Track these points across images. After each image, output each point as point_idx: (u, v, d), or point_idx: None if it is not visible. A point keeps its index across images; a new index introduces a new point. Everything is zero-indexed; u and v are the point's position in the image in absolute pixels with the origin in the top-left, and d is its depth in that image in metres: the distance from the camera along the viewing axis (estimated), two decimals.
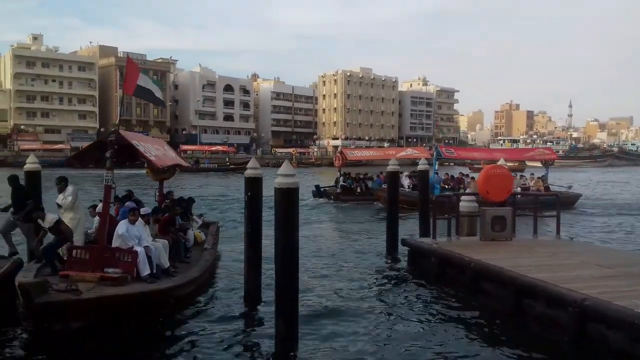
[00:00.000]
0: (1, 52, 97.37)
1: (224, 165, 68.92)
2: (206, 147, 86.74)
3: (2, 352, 6.99)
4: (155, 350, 7.26)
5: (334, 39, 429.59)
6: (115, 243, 8.11)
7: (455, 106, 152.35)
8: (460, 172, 27.66)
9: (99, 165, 9.69)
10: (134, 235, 8.31)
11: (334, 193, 28.39)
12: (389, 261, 12.95)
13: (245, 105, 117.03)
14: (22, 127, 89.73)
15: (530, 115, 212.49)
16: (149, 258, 8.18)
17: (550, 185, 26.03)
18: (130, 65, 9.04)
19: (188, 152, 79.18)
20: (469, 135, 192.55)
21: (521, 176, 26.38)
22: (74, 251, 7.85)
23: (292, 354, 6.86)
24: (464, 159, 36.68)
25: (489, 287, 9.17)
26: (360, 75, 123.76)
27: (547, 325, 7.63)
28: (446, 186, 24.30)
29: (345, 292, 10.10)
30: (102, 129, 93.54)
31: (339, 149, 44.32)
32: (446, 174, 26.58)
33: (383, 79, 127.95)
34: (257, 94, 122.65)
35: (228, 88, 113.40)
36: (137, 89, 8.93)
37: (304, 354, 6.95)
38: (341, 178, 29.24)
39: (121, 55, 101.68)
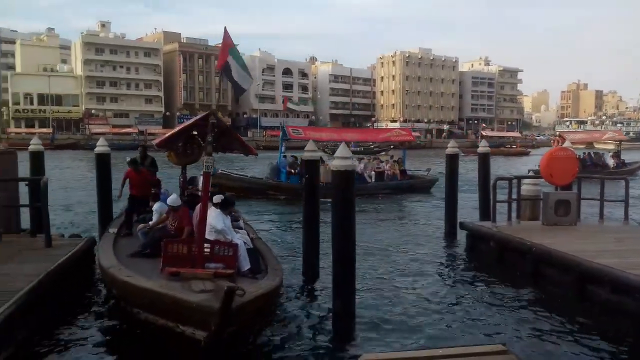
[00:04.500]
0: (73, 40, 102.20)
1: (369, 149, 69.84)
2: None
3: (86, 324, 7.51)
4: None
5: (393, 20, 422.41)
6: (209, 236, 7.36)
7: (519, 86, 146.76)
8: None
9: (184, 149, 9.83)
10: (229, 227, 7.84)
11: None
12: (447, 245, 12.86)
13: (304, 89, 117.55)
14: (92, 111, 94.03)
15: (599, 95, 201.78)
16: None
17: (407, 170, 25.27)
18: (225, 40, 7.88)
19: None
20: (533, 117, 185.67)
21: (374, 159, 25.25)
22: (171, 245, 7.21)
23: (350, 332, 7.01)
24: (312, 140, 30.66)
25: (550, 272, 8.98)
26: (419, 56, 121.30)
27: (612, 312, 7.42)
28: (292, 170, 21.74)
29: (401, 274, 10.16)
30: (167, 113, 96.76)
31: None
32: (293, 156, 22.73)
33: (443, 59, 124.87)
34: (315, 77, 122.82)
35: (287, 72, 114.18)
36: (225, 67, 7.99)
37: (361, 332, 7.09)
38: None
39: (184, 41, 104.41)
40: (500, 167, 39.11)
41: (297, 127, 25.20)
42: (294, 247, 12.01)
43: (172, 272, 6.74)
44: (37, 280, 6.88)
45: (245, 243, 7.85)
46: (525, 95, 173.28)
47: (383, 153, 35.40)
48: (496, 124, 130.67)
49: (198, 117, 7.94)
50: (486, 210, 12.92)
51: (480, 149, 14.29)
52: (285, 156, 22.51)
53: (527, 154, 65.42)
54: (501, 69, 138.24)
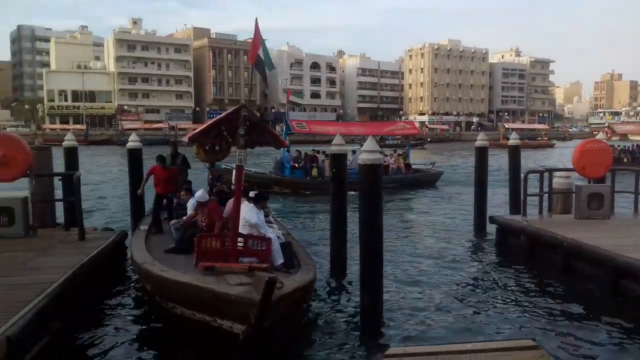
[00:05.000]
0: (105, 37, 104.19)
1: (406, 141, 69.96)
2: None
3: (116, 315, 7.69)
4: None
5: (421, 12, 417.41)
6: (243, 230, 7.31)
7: (551, 77, 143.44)
8: (313, 149, 23.94)
9: (214, 142, 9.71)
10: (262, 221, 7.77)
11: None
12: (476, 239, 12.72)
13: (332, 83, 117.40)
14: (125, 107, 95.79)
15: (634, 85, 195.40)
16: None
17: (412, 164, 24.66)
18: (256, 33, 7.86)
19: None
20: (565, 108, 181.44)
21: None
22: (204, 240, 7.17)
23: (377, 326, 7.01)
24: (316, 134, 29.10)
25: (582, 267, 8.81)
26: (449, 48, 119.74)
27: None
28: (296, 165, 21.93)
29: (429, 268, 10.10)
30: (197, 109, 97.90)
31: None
32: (297, 150, 23.18)
33: (472, 50, 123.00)
34: (343, 71, 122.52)
35: (315, 66, 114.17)
36: (257, 60, 8.11)
37: (388, 326, 7.08)
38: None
39: (214, 37, 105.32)
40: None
41: (301, 121, 24.86)
42: (308, 240, 12.06)
43: (206, 266, 6.71)
44: (70, 273, 7.07)
45: (278, 237, 7.81)
46: (557, 87, 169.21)
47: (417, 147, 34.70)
48: (527, 116, 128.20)
49: (229, 110, 7.92)
50: (516, 203, 12.74)
51: (511, 142, 14.06)
52: (288, 151, 22.27)
53: (551, 146, 64.06)
54: (532, 60, 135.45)
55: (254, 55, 7.83)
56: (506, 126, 72.81)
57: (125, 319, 7.48)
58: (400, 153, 24.94)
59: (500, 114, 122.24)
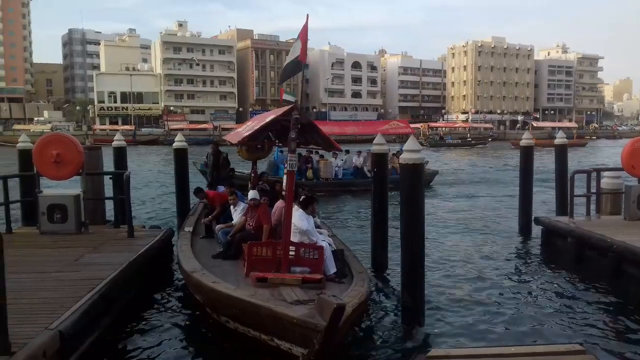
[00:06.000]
0: (152, 40, 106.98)
1: (466, 141, 70.67)
2: (450, 124, 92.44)
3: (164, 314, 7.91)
4: None
5: (465, 9, 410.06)
6: (293, 238, 7.01)
7: (599, 74, 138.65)
8: (308, 150, 21.49)
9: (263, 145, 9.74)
10: (313, 227, 7.46)
11: None
12: (521, 240, 12.46)
13: (373, 82, 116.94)
14: (171, 108, 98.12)
15: None
16: None
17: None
18: (306, 30, 7.58)
19: (434, 128, 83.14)
20: (615, 106, 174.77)
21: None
22: (255, 249, 6.92)
23: (418, 326, 6.96)
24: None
25: (633, 271, 8.48)
26: (492, 45, 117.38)
27: None
28: None
29: (472, 268, 9.96)
30: (240, 109, 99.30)
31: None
32: None
33: (517, 47, 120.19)
34: (384, 70, 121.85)
35: (356, 65, 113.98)
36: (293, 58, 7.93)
37: (429, 327, 7.03)
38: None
39: (256, 38, 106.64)
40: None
41: None
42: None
43: (259, 277, 6.45)
44: (120, 269, 7.29)
45: (329, 245, 7.48)
46: (606, 84, 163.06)
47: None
48: (574, 114, 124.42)
49: (280, 111, 7.66)
50: (562, 204, 12.40)
51: (557, 141, 13.69)
52: (282, 151, 20.85)
53: (583, 145, 61.78)
54: (580, 56, 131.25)
55: (305, 53, 7.55)
56: (534, 125, 70.89)
57: (173, 319, 7.46)
58: (395, 152, 24.27)
59: (547, 112, 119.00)
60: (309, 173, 21.32)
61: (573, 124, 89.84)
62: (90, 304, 5.92)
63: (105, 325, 6.45)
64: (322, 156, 21.34)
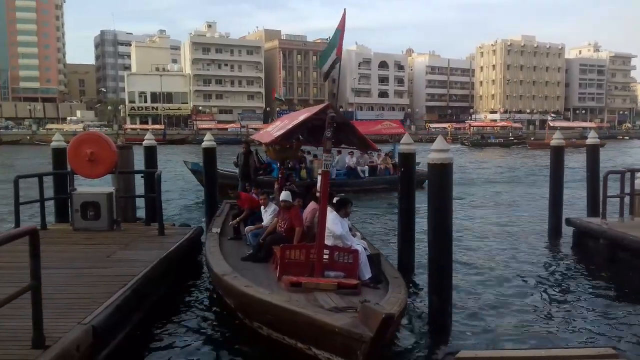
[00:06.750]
0: (182, 40, 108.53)
1: (508, 140, 70.55)
2: (492, 123, 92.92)
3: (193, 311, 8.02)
4: None
5: (494, 7, 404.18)
6: (327, 241, 6.77)
7: (632, 73, 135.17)
8: (301, 149, 20.84)
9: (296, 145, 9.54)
10: (347, 231, 7.21)
11: None
12: (550, 242, 12.23)
13: (400, 81, 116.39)
14: (200, 108, 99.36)
15: None
16: None
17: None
18: (343, 25, 7.33)
19: (474, 127, 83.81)
20: None
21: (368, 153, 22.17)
22: (288, 252, 6.73)
23: (446, 328, 6.90)
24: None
25: None
26: (522, 44, 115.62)
27: None
28: (283, 166, 19.01)
29: (502, 269, 9.83)
30: (267, 109, 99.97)
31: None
32: None
33: (547, 46, 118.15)
34: (411, 69, 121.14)
35: (383, 64, 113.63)
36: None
37: (458, 328, 6.96)
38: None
39: (284, 38, 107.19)
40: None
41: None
42: None
43: (292, 281, 6.25)
44: (151, 266, 7.42)
45: (365, 249, 7.25)
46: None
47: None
48: (606, 113, 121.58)
49: (313, 110, 7.49)
50: (594, 205, 12.16)
51: (589, 141, 13.42)
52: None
53: (602, 145, 60.18)
54: (612, 55, 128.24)
55: (341, 48, 7.29)
56: (551, 124, 69.52)
57: (202, 320, 7.36)
58: (387, 152, 23.59)
59: (578, 111, 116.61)
60: (303, 173, 20.80)
61: (591, 124, 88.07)
62: (122, 299, 6.03)
63: (136, 321, 6.54)
64: (315, 156, 21.05)
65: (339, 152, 21.37)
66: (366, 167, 22.50)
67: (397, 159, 24.05)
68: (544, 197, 15.51)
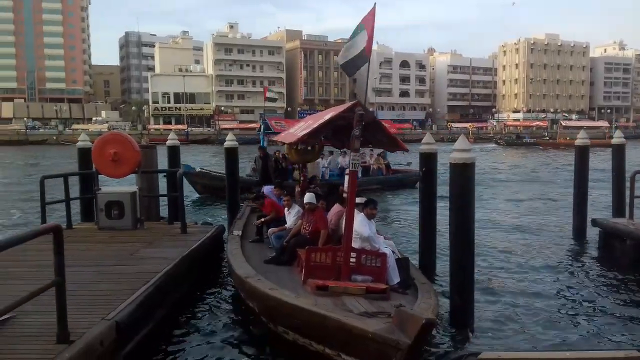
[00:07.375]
0: (204, 41, 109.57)
1: (544, 140, 69.71)
2: (522, 123, 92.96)
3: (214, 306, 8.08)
4: None
5: (517, 6, 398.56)
6: (354, 244, 6.57)
7: None
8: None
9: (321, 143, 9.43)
10: (375, 233, 6.99)
11: None
12: (575, 242, 12.05)
13: (421, 81, 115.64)
14: (222, 108, 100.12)
15: None
16: None
17: (391, 164, 23.20)
18: (372, 22, 6.92)
19: (480, 128, 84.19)
20: None
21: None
22: (314, 254, 6.55)
23: (468, 329, 6.85)
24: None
25: None
26: (546, 43, 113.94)
27: None
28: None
29: (525, 270, 9.73)
30: (288, 109, 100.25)
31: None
32: (277, 151, 19.18)
33: (572, 45, 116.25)
34: (433, 69, 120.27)
35: (404, 64, 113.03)
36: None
37: (480, 329, 6.90)
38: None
39: (305, 39, 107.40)
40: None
41: (280, 120, 22.91)
42: None
43: (319, 285, 6.07)
44: (173, 264, 7.50)
45: (393, 252, 7.03)
46: None
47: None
48: (632, 112, 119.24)
49: (340, 108, 7.30)
50: (619, 205, 11.94)
51: (615, 141, 13.16)
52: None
53: (610, 145, 58.70)
54: (638, 53, 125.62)
55: (371, 46, 6.92)
56: (562, 124, 68.43)
57: (225, 320, 7.29)
58: (380, 153, 23.06)
59: (602, 110, 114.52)
60: (296, 174, 20.62)
61: (604, 123, 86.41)
62: (145, 296, 6.11)
63: (159, 318, 6.60)
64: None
65: (331, 153, 21.17)
66: (359, 167, 22.10)
67: (389, 160, 24.24)
68: (562, 197, 15.27)
